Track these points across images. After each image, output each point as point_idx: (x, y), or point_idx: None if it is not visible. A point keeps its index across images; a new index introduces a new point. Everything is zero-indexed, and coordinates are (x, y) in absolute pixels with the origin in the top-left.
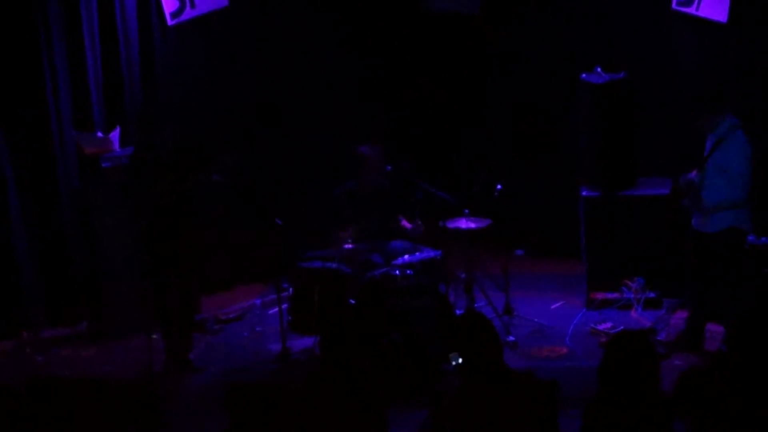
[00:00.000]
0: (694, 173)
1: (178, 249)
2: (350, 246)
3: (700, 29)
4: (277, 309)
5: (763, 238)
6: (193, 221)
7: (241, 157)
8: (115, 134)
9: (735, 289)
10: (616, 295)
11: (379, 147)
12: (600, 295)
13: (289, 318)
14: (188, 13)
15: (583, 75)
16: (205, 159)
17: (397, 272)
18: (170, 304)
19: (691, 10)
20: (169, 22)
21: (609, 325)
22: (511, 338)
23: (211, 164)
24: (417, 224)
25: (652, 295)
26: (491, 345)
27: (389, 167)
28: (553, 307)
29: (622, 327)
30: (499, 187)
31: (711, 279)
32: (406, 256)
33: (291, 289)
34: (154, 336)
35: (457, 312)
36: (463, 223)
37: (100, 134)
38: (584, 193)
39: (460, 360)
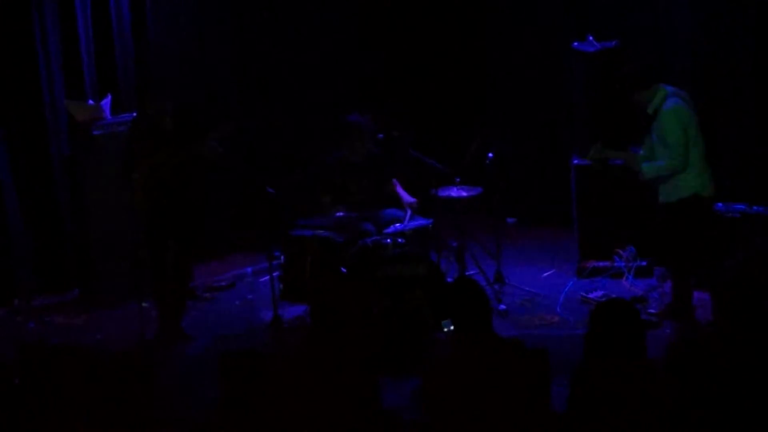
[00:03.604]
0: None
1: (178, 217)
2: (342, 214)
3: None
4: (268, 277)
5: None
6: (191, 189)
7: (238, 126)
8: (106, 102)
9: (708, 255)
10: (607, 263)
11: (368, 115)
12: (591, 264)
13: (281, 286)
14: None
15: (575, 43)
16: (203, 128)
17: (389, 240)
18: (167, 271)
19: None
20: None
21: (600, 293)
22: (502, 307)
23: (210, 133)
24: (414, 202)
25: (643, 263)
26: (480, 308)
27: (381, 135)
28: (544, 275)
29: (613, 295)
30: (490, 155)
31: (685, 248)
32: (398, 225)
33: (283, 257)
34: (146, 304)
35: (449, 280)
36: (455, 192)
37: (91, 102)
38: (576, 162)
39: (452, 327)
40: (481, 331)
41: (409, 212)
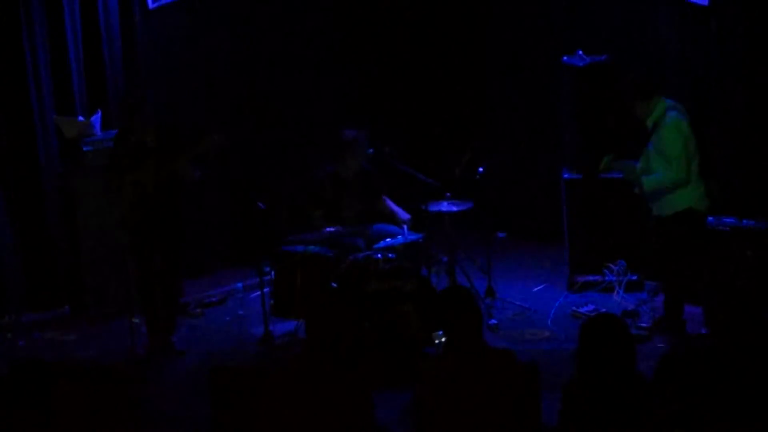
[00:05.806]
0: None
1: (163, 232)
2: (332, 229)
3: (682, 11)
4: (259, 292)
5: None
6: (178, 204)
7: (226, 140)
8: (96, 118)
9: (701, 270)
10: (598, 277)
11: (364, 131)
12: (582, 278)
13: (272, 301)
14: None
15: (565, 58)
16: (189, 142)
17: (379, 255)
18: (155, 287)
19: None
20: (150, 5)
21: (591, 307)
22: (493, 321)
23: (197, 147)
24: (409, 218)
25: (633, 277)
26: (471, 315)
27: (371, 150)
28: (535, 290)
29: (604, 309)
30: (480, 169)
31: (678, 262)
32: (388, 240)
33: (273, 273)
34: (136, 320)
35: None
36: (445, 206)
37: (81, 118)
38: (566, 176)
39: (444, 338)
40: (472, 340)
41: (405, 228)
